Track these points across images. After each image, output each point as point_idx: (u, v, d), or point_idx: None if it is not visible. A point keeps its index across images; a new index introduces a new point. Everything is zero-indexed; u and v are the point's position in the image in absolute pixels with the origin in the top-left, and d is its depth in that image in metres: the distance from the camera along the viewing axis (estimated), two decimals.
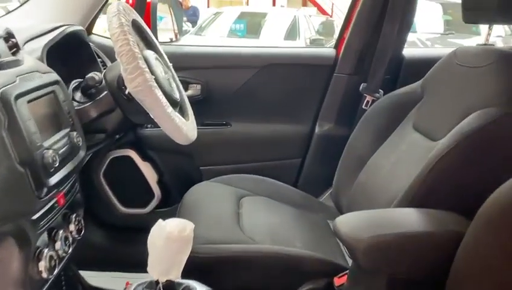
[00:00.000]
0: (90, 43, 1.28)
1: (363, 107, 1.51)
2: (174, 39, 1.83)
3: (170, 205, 1.64)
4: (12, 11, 1.16)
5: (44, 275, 0.77)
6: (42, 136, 0.74)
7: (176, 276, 0.91)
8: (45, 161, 0.72)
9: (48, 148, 0.74)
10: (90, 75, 1.00)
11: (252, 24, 6.80)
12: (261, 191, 1.38)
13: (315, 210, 1.39)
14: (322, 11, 9.77)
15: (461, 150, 0.88)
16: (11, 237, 0.70)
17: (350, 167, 1.32)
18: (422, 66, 1.24)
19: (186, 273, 1.07)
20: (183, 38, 5.68)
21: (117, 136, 1.34)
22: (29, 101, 0.73)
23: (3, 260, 0.71)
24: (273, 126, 1.61)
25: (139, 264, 0.88)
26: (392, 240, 0.83)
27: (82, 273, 1.45)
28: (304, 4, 11.76)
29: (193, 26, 6.99)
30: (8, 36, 0.81)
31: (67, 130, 0.85)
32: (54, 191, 0.77)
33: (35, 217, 0.74)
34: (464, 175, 0.90)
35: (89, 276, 1.48)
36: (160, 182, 1.64)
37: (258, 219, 1.23)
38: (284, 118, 1.61)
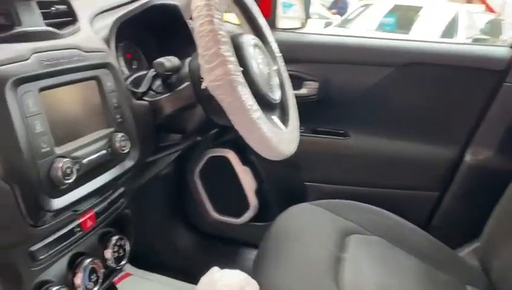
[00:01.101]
0: (190, 24, 1.08)
1: None
2: (300, 26, 1.54)
3: (267, 220, 1.40)
4: None
5: None
6: (57, 139, 0.53)
7: None
8: (52, 174, 0.51)
9: (62, 156, 0.53)
10: (160, 60, 0.78)
11: (403, 18, 6.21)
12: (377, 229, 1.04)
13: (449, 268, 1.00)
14: (489, 9, 8.56)
15: None
16: None
17: None
18: None
19: None
20: (326, 30, 5.40)
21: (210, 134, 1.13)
22: (43, 89, 0.52)
23: None
24: (406, 144, 1.23)
25: None
26: None
27: (143, 273, 1.32)
28: (469, 1, 10.50)
29: None
30: (57, 2, 0.63)
31: (110, 130, 0.64)
32: (66, 214, 0.56)
33: (34, 247, 0.54)
34: None
35: (149, 279, 1.37)
36: (258, 192, 1.40)
37: (366, 273, 0.91)
38: (422, 135, 1.22)
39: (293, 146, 0.86)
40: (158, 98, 0.84)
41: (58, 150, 0.53)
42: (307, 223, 1.05)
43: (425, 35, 5.43)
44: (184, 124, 0.90)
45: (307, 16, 1.55)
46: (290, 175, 1.36)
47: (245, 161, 1.38)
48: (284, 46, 1.07)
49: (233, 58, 0.69)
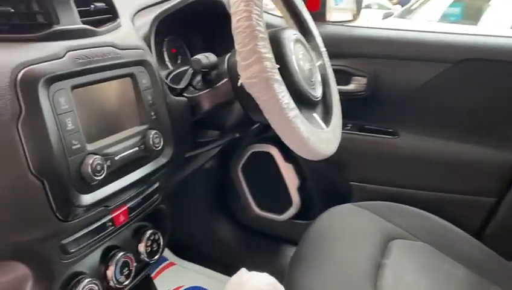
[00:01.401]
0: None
1: None
2: (352, 19, 1.49)
3: (309, 219, 1.37)
4: None
5: None
6: (88, 136, 0.54)
7: None
8: (83, 170, 0.53)
9: (93, 153, 0.54)
10: (197, 56, 0.78)
11: (470, 8, 5.82)
12: (423, 235, 0.99)
13: (502, 280, 0.93)
14: None
15: None
16: (22, 264, 0.53)
17: None
18: None
19: None
20: (385, 21, 5.18)
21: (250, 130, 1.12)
22: (75, 87, 0.53)
23: None
24: (460, 146, 1.15)
25: None
26: None
27: (187, 264, 1.35)
28: None
29: None
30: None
31: (143, 127, 0.64)
32: (97, 209, 0.58)
33: (65, 241, 0.55)
34: None
35: (192, 270, 1.41)
36: (301, 189, 1.38)
37: (407, 281, 0.86)
38: (479, 137, 1.13)
39: (333, 146, 0.83)
40: (197, 94, 0.84)
41: (90, 147, 0.54)
42: (349, 225, 1.01)
43: (495, 27, 5.07)
44: (222, 120, 0.89)
45: (360, 8, 1.48)
46: (335, 173, 1.32)
47: (288, 158, 1.36)
48: (332, 40, 1.03)
49: (270, 55, 0.67)
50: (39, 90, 0.48)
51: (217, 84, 0.83)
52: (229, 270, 1.39)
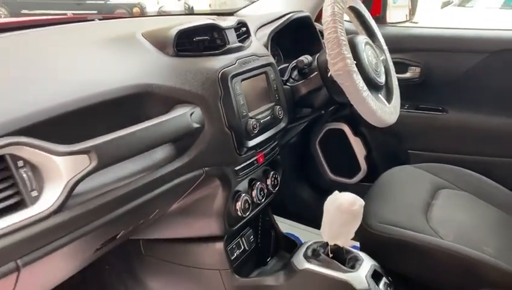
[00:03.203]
0: (317, 28, 1.44)
1: None
2: (407, 18, 1.81)
3: (374, 181, 1.72)
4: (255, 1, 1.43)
5: (239, 213, 1.01)
6: (249, 108, 0.95)
7: (342, 243, 1.03)
8: (248, 128, 0.93)
9: (251, 118, 0.95)
10: (300, 58, 1.16)
11: None
12: (465, 186, 1.30)
13: None
14: None
15: None
16: (217, 179, 0.95)
17: None
18: None
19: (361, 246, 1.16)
20: (443, 11, 5.27)
21: (329, 110, 1.49)
22: (242, 80, 0.94)
23: (210, 195, 0.97)
24: (499, 119, 1.45)
25: None
26: None
27: (278, 219, 1.69)
28: None
29: None
30: (240, 26, 1.04)
31: (272, 104, 1.04)
32: (253, 151, 0.99)
33: (237, 167, 0.97)
34: None
35: (284, 223, 1.73)
36: (367, 158, 1.73)
37: (450, 214, 1.19)
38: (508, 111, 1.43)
39: (394, 117, 1.18)
40: (296, 83, 1.22)
41: (250, 114, 0.95)
42: (406, 178, 1.34)
43: None
44: (313, 101, 1.27)
45: (415, 6, 1.79)
46: (395, 144, 1.66)
47: (357, 133, 1.72)
48: (391, 38, 1.36)
49: (350, 55, 1.03)
50: (228, 82, 0.90)
51: (310, 76, 1.21)
52: (310, 223, 1.77)
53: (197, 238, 1.04)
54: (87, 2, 7.98)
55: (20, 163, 0.59)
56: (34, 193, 0.60)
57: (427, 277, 1.06)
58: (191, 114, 0.81)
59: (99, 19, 1.13)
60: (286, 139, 1.39)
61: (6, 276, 0.58)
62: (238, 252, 1.10)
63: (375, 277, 1.00)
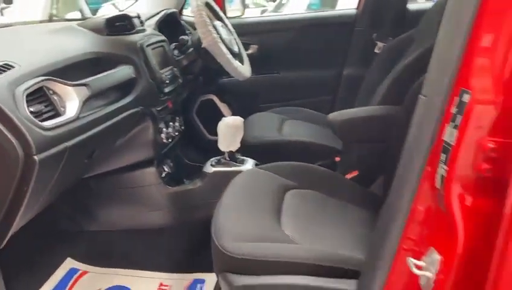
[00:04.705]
0: (182, 20, 1.98)
1: (376, 51, 2.03)
2: (240, 14, 2.48)
3: None
4: (136, 1, 1.91)
5: (164, 140, 1.49)
6: (159, 68, 1.44)
7: (234, 148, 1.58)
8: (162, 79, 1.42)
9: (162, 73, 1.44)
10: (181, 37, 1.69)
11: None
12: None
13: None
14: None
15: None
16: (148, 117, 1.42)
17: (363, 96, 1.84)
18: (421, 17, 1.68)
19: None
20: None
21: (202, 80, 2.04)
22: (152, 49, 1.43)
23: (143, 129, 1.44)
24: (310, 72, 2.19)
25: None
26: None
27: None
28: None
29: None
30: (138, 16, 1.52)
31: (171, 66, 1.55)
32: (166, 97, 1.48)
33: (158, 108, 1.45)
34: None
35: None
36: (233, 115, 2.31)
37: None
38: (317, 65, 2.19)
39: (248, 73, 1.79)
40: (178, 58, 1.74)
41: (161, 71, 1.44)
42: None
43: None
44: (193, 70, 1.81)
45: (244, 7, 2.48)
46: (251, 101, 2.29)
47: (223, 100, 2.30)
48: (235, 26, 1.98)
49: (215, 32, 1.60)
50: (145, 49, 1.38)
51: (188, 52, 1.75)
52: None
53: (136, 164, 1.48)
54: None
55: (51, 92, 1.00)
56: (62, 109, 1.01)
57: None
58: (129, 68, 1.28)
59: None
60: (182, 97, 1.88)
61: (60, 154, 0.98)
62: (164, 173, 1.57)
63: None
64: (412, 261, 0.68)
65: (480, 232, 0.61)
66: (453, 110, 0.64)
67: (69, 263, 1.52)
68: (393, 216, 0.74)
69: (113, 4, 4.84)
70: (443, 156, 0.65)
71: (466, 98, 0.61)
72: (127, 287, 1.42)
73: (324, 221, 1.11)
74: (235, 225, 1.02)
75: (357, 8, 2.16)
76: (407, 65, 1.43)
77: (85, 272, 1.49)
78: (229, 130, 1.54)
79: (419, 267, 0.67)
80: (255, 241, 0.96)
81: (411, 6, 2.07)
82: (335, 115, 1.46)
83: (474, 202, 0.62)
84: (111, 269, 1.49)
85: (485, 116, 0.60)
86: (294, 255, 0.93)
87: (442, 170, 0.65)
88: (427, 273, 0.66)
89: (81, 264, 1.52)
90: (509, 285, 0.55)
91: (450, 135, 0.64)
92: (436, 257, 0.65)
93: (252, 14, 2.52)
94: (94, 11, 2.49)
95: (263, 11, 7.17)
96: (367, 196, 1.31)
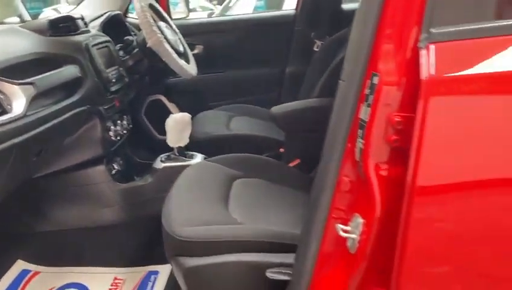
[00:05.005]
0: (126, 22, 2.01)
1: (314, 49, 2.16)
2: (184, 16, 2.53)
3: None
4: (78, 5, 1.92)
5: (113, 138, 1.52)
6: (105, 67, 1.47)
7: (183, 144, 1.64)
8: (108, 78, 1.46)
9: (108, 73, 1.47)
10: (126, 37, 1.73)
11: (272, 1, 7.35)
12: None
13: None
14: None
15: None
16: (96, 116, 1.44)
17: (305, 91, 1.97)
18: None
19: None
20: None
21: (148, 80, 2.08)
22: (97, 49, 1.46)
23: (92, 128, 1.47)
24: (254, 70, 2.29)
25: None
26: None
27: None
28: None
29: None
30: (82, 18, 1.55)
31: (117, 66, 1.59)
32: (113, 96, 1.51)
33: (106, 107, 1.48)
34: None
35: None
36: None
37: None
38: (261, 63, 2.28)
39: (194, 71, 1.85)
40: (125, 58, 1.78)
41: (108, 71, 1.47)
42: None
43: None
44: (139, 69, 1.85)
45: (189, 9, 2.54)
46: (200, 100, 2.34)
47: (171, 100, 2.35)
48: (179, 27, 2.04)
49: (159, 32, 1.66)
50: (90, 49, 1.41)
51: (133, 52, 1.79)
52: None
53: (86, 163, 1.51)
54: None
55: None
56: (9, 107, 1.03)
57: None
58: (74, 68, 1.31)
59: None
60: (129, 97, 1.90)
61: (8, 151, 1.00)
62: (114, 170, 1.60)
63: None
64: (340, 226, 0.77)
65: (394, 197, 0.71)
66: (367, 91, 0.74)
67: (20, 265, 1.51)
68: (322, 189, 0.83)
69: (55, 9, 4.73)
70: (360, 132, 0.75)
71: (376, 80, 0.72)
72: (80, 284, 1.43)
73: (268, 204, 1.19)
74: (184, 212, 1.07)
75: (296, 9, 2.28)
76: (341, 60, 1.55)
77: (37, 273, 1.48)
78: (177, 125, 1.60)
79: (346, 232, 0.77)
80: (204, 225, 1.02)
81: (345, 6, 2.22)
82: (277, 109, 1.56)
83: (388, 170, 0.72)
84: (64, 267, 1.49)
85: (392, 95, 0.70)
86: (239, 234, 1.00)
87: (360, 144, 0.75)
88: (353, 236, 0.75)
89: (32, 265, 1.50)
90: (414, 237, 0.68)
91: (364, 112, 0.74)
92: (359, 220, 0.75)
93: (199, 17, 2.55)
94: (35, 16, 2.44)
95: (210, 14, 7.25)
96: (307, 181, 1.30)
